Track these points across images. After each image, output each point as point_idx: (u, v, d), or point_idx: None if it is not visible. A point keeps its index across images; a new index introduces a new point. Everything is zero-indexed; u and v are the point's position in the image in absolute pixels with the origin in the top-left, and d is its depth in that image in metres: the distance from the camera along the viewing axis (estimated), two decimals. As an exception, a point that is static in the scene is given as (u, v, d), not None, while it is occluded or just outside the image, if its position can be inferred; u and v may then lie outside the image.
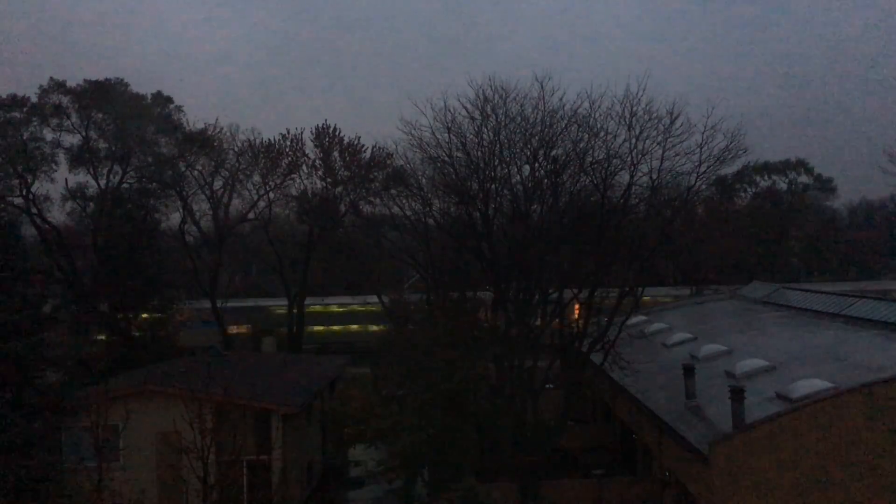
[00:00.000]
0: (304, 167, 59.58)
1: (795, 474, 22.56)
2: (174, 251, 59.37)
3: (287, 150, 59.12)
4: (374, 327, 59.52)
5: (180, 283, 57.41)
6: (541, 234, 32.33)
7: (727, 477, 22.67)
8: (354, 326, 67.20)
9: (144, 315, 51.12)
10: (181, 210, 59.75)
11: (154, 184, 56.82)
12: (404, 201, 40.39)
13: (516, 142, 32.30)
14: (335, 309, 68.76)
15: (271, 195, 60.54)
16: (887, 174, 59.83)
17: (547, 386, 35.01)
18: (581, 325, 32.49)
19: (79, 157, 54.77)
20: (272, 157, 58.93)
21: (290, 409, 31.12)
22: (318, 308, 66.49)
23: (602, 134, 31.10)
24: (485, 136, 32.40)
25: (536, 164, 32.31)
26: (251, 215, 62.99)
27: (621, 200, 32.17)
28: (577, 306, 34.08)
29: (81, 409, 27.29)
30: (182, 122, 58.64)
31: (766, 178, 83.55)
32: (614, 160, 31.29)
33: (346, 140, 59.26)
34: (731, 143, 29.77)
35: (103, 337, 50.68)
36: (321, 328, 67.15)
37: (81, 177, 56.17)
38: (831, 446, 22.54)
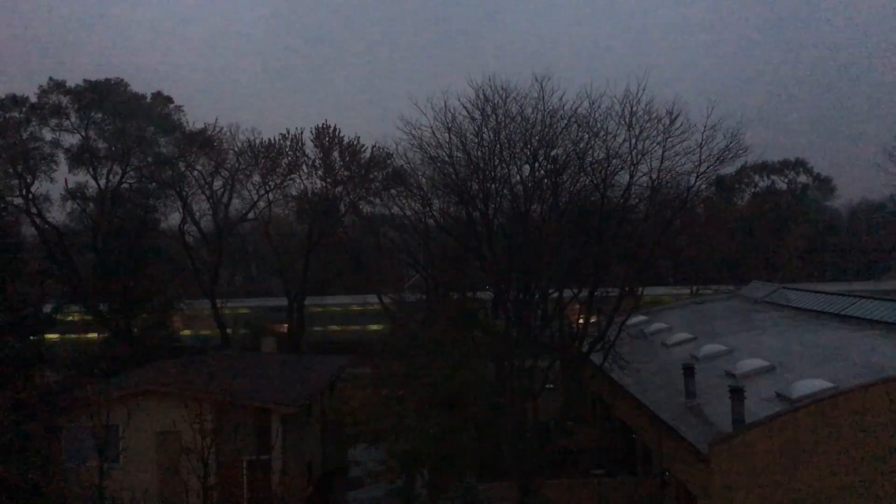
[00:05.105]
0: (304, 167, 59.67)
1: (795, 474, 22.60)
2: (174, 251, 59.31)
3: (287, 150, 59.14)
4: (375, 327, 59.48)
5: (180, 283, 57.34)
6: (541, 234, 32.32)
7: (727, 477, 22.68)
8: (354, 326, 67.13)
9: (144, 315, 51.07)
10: (181, 210, 59.76)
11: (154, 184, 56.75)
12: (404, 201, 40.45)
13: (516, 142, 32.32)
14: (335, 309, 68.71)
15: (271, 195, 60.66)
16: (887, 174, 59.87)
17: (547, 386, 35.03)
18: (581, 325, 32.51)
19: (78, 157, 54.66)
20: (272, 157, 58.93)
21: (290, 409, 31.09)
22: (318, 308, 66.42)
23: (602, 134, 31.16)
24: (485, 135, 32.43)
25: (536, 164, 32.33)
26: (251, 215, 63.06)
27: (621, 200, 32.18)
28: (577, 306, 34.07)
29: (81, 409, 27.26)
30: (182, 122, 58.69)
31: (765, 177, 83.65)
32: (614, 160, 31.35)
33: (345, 140, 59.34)
34: (730, 142, 29.82)
35: (103, 337, 50.65)
36: (321, 328, 67.07)
37: (81, 177, 56.07)
38: (831, 446, 22.57)
